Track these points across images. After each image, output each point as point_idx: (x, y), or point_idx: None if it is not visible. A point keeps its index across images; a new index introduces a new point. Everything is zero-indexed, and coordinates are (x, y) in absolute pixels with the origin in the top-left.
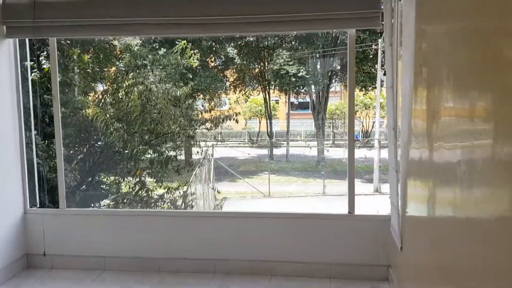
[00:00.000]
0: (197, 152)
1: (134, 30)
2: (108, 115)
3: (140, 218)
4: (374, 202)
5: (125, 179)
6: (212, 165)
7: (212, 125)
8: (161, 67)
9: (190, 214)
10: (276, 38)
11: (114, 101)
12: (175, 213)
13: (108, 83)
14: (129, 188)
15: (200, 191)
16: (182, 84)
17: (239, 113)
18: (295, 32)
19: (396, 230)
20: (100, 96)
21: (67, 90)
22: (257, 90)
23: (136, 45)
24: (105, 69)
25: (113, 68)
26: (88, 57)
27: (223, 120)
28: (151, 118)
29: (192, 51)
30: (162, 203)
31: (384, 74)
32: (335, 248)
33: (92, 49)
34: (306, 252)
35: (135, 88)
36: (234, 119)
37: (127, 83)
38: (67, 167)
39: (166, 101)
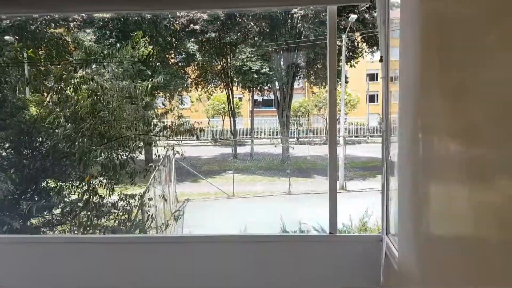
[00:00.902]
0: (155, 154)
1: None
2: (54, 115)
3: (69, 246)
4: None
5: (73, 186)
6: (173, 165)
7: (172, 134)
8: (117, 63)
9: (131, 240)
10: (239, 33)
11: (59, 100)
12: (113, 239)
13: (55, 80)
14: (78, 196)
15: (160, 194)
16: (140, 81)
17: (200, 129)
18: (274, 8)
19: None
20: (46, 94)
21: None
22: (220, 88)
23: (90, 40)
24: (59, 66)
25: (60, 66)
26: (40, 53)
27: (184, 133)
28: (102, 120)
29: (144, 40)
30: (115, 212)
31: (381, 61)
32: (314, 277)
33: (44, 45)
34: (277, 284)
35: (86, 86)
36: (195, 134)
37: (75, 81)
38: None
39: (120, 100)
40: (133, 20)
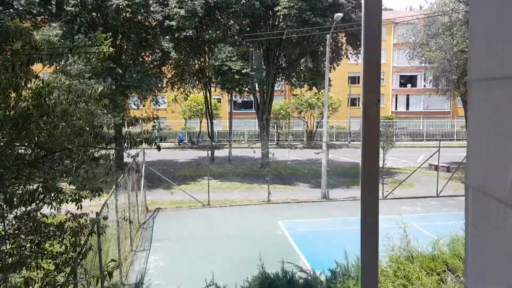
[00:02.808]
0: (128, 156)
1: None
2: None
3: None
4: (325, 212)
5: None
6: (143, 171)
7: (127, 146)
8: (85, 60)
9: None
10: (218, 31)
11: None
12: None
13: None
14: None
15: (126, 204)
16: (110, 79)
17: (159, 138)
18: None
19: None
20: None
21: None
22: (198, 88)
23: (56, 35)
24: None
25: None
26: None
27: (139, 143)
28: (40, 127)
29: (105, 36)
30: (61, 236)
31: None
32: None
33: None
34: None
35: (29, 84)
36: (156, 145)
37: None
38: None
39: (70, 103)
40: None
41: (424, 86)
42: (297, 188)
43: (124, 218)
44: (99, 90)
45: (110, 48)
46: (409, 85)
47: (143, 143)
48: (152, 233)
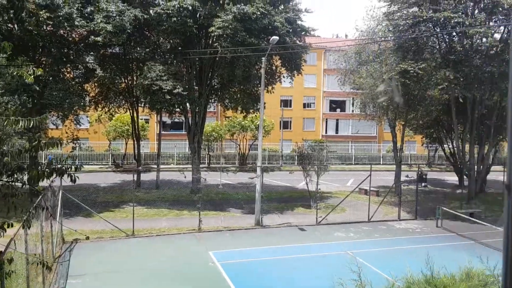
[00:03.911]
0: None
1: None
2: None
3: None
4: (259, 240)
5: None
6: (60, 197)
7: (32, 178)
8: None
9: None
10: (147, 49)
11: None
12: None
13: None
14: None
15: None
16: (25, 97)
17: (77, 166)
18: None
19: None
20: None
21: None
22: (124, 108)
23: None
24: None
25: None
26: None
27: (48, 175)
28: None
29: (21, 58)
30: None
31: None
32: None
33: None
34: None
35: None
36: (68, 175)
37: None
38: None
39: None
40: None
41: (353, 111)
42: (229, 214)
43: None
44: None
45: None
46: (338, 110)
47: (54, 175)
48: (69, 268)
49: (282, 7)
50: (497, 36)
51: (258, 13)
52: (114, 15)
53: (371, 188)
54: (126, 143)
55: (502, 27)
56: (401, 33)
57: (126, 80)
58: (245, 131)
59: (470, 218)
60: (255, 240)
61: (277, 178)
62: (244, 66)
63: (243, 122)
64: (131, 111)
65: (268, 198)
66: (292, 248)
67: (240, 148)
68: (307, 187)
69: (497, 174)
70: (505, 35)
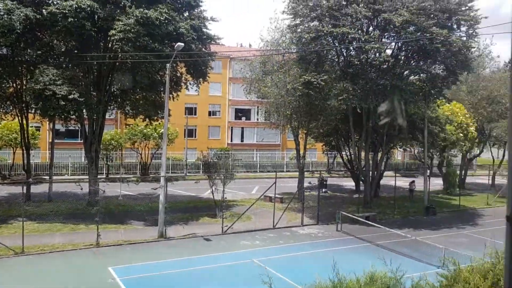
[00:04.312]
0: None
1: None
2: None
3: None
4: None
5: None
6: None
7: None
8: None
9: None
10: (39, 51)
11: None
12: None
13: None
14: None
15: None
16: None
17: None
18: None
19: None
20: None
21: None
22: (12, 114)
23: None
24: None
25: None
26: None
27: None
28: None
29: None
30: None
31: None
32: None
33: None
34: None
35: None
36: None
37: None
38: None
39: None
40: None
41: (258, 119)
42: (131, 227)
43: None
44: None
45: None
46: (244, 118)
47: None
48: None
49: (187, 13)
50: (389, 52)
51: (162, 18)
52: (2, 13)
53: (276, 195)
54: (14, 153)
55: (393, 44)
56: (303, 45)
57: (14, 84)
58: (148, 140)
59: (366, 221)
60: (159, 253)
61: (181, 188)
62: (147, 72)
63: (145, 130)
64: (20, 117)
65: (172, 208)
66: (198, 260)
67: (141, 158)
68: (213, 196)
69: (388, 179)
70: (396, 51)
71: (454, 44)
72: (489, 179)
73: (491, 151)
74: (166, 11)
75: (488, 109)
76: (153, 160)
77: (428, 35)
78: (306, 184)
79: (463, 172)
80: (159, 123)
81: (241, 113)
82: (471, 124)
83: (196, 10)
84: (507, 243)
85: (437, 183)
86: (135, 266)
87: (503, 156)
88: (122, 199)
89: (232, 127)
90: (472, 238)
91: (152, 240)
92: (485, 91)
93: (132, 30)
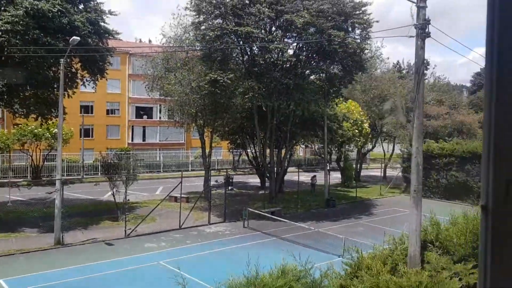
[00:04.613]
0: None
1: None
2: None
3: None
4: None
5: None
6: None
7: None
8: None
9: None
10: None
11: None
12: None
13: None
14: None
15: None
16: None
17: None
18: None
19: None
20: None
21: None
22: None
23: None
24: None
25: None
26: None
27: None
28: None
29: None
30: None
31: None
32: None
33: None
34: None
35: None
36: None
37: None
38: None
39: None
40: None
41: (160, 118)
42: (23, 235)
43: None
44: None
45: None
46: (145, 117)
47: None
48: None
49: (82, 6)
50: (291, 52)
51: (55, 10)
52: None
53: (182, 195)
54: None
55: (295, 44)
56: (208, 43)
57: None
58: (39, 140)
59: (272, 216)
60: (56, 261)
61: (79, 191)
62: (38, 68)
63: (36, 130)
64: None
65: (69, 213)
66: (99, 266)
67: (32, 160)
68: (114, 198)
69: (292, 175)
70: (298, 51)
71: (350, 46)
72: (381, 172)
73: (382, 146)
74: (59, 2)
75: (380, 107)
76: (45, 162)
77: (326, 36)
78: (212, 183)
79: (358, 166)
80: (53, 123)
81: (143, 112)
82: (365, 121)
83: (92, 3)
84: (482, 233)
85: (336, 177)
86: (30, 277)
87: (393, 149)
88: (11, 205)
89: (133, 126)
90: (367, 227)
91: (49, 247)
92: (377, 90)
93: (21, 22)
